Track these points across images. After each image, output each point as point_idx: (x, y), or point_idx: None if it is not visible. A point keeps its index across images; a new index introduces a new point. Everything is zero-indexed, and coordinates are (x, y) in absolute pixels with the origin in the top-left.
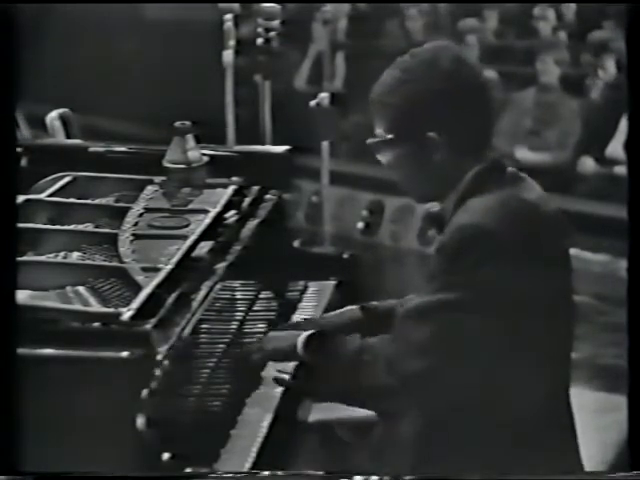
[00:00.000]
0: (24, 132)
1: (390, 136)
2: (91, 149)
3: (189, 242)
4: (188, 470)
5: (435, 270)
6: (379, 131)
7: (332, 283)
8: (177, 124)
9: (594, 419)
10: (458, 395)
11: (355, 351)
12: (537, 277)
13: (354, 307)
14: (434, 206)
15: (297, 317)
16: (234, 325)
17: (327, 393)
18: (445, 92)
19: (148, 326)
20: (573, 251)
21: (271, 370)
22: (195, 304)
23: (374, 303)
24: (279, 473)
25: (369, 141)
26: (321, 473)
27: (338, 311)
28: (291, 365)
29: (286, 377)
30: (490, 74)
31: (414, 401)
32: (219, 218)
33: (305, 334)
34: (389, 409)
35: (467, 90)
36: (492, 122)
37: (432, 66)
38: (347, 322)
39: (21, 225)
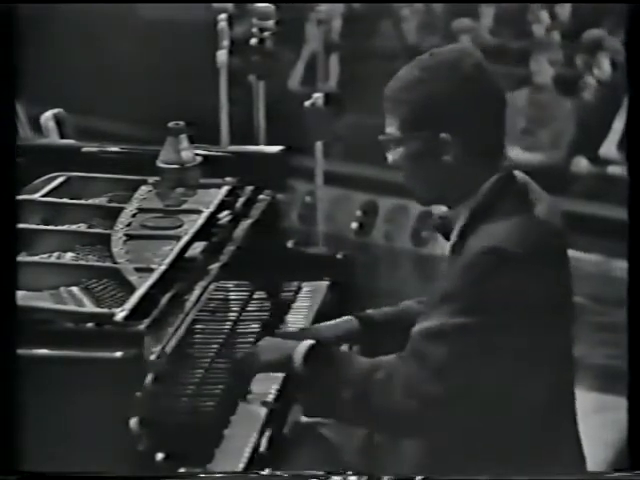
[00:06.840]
0: (27, 132)
1: (401, 134)
2: (84, 149)
3: (182, 242)
4: (182, 470)
5: (453, 290)
6: (390, 129)
7: (326, 283)
8: (171, 124)
9: (587, 419)
10: (473, 415)
11: (366, 369)
12: (550, 291)
13: (350, 317)
14: (440, 210)
15: (291, 318)
16: (228, 325)
17: (329, 411)
18: (462, 96)
19: (142, 326)
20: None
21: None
22: (189, 304)
23: (369, 312)
24: (273, 473)
25: (380, 137)
26: (317, 473)
27: (333, 322)
28: (274, 388)
29: (270, 401)
30: None
31: (430, 424)
32: (213, 218)
33: (304, 346)
34: (403, 433)
35: (483, 96)
36: (505, 129)
37: (453, 69)
38: (345, 334)
39: None
